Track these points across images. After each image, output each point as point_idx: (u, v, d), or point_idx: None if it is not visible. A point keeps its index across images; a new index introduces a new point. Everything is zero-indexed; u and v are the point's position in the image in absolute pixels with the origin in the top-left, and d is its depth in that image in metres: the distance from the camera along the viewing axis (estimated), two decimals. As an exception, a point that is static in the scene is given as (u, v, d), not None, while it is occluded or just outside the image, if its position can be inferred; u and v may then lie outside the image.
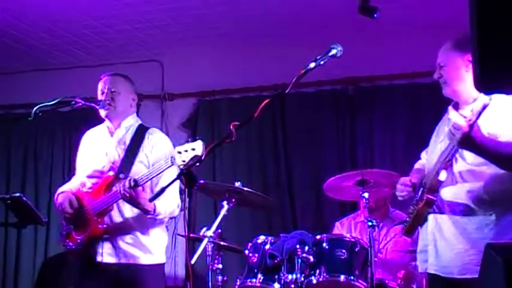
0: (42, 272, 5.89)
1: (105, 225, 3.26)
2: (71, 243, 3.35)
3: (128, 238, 3.32)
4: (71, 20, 5.22)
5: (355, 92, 5.60)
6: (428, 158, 2.94)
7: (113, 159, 3.36)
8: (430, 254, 2.80)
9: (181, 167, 2.65)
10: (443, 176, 2.64)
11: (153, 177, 3.11)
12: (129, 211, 3.30)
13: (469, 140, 2.45)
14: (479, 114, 2.40)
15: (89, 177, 3.41)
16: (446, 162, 2.63)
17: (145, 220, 3.31)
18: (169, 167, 2.99)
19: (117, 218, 3.32)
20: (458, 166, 2.68)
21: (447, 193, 2.71)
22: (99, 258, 3.29)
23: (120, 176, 3.23)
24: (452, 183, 2.70)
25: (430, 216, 2.77)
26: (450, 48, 2.79)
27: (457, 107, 2.81)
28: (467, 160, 2.66)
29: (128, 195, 3.10)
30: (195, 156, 2.62)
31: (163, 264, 3.50)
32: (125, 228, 3.32)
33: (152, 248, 3.38)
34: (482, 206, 2.64)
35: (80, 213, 3.31)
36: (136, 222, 3.33)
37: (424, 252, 2.84)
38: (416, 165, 3.12)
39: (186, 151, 2.67)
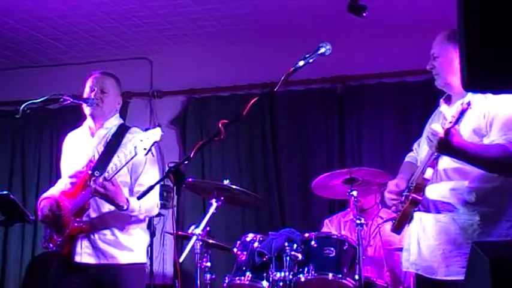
0: (30, 270, 5.86)
1: (81, 223, 3.25)
2: (51, 245, 3.33)
3: (107, 237, 3.30)
4: (60, 17, 5.20)
5: (343, 90, 5.61)
6: (420, 151, 2.93)
7: (92, 158, 3.35)
8: (412, 253, 2.78)
9: (144, 153, 3.00)
10: (429, 174, 2.62)
11: (120, 169, 3.12)
12: (107, 208, 3.28)
13: (447, 145, 2.44)
14: (457, 120, 2.39)
15: (70, 177, 3.40)
16: (433, 161, 2.61)
17: (124, 218, 3.30)
18: (133, 157, 3.06)
19: (94, 216, 3.29)
20: (444, 163, 2.65)
21: (432, 191, 2.69)
22: (77, 258, 3.27)
23: (95, 173, 3.21)
24: (436, 181, 2.67)
25: (416, 215, 2.75)
26: (444, 40, 2.75)
27: (449, 99, 2.80)
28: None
29: (99, 190, 3.09)
30: (155, 142, 3.02)
31: (145, 264, 3.48)
32: (103, 226, 3.30)
33: (132, 247, 3.35)
34: (467, 205, 2.61)
35: (59, 216, 3.29)
36: (114, 220, 3.31)
37: (408, 250, 2.82)
38: (407, 158, 3.09)
39: (148, 138, 3.03)
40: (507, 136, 2.54)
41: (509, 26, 1.42)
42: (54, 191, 3.48)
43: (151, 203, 3.31)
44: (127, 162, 3.11)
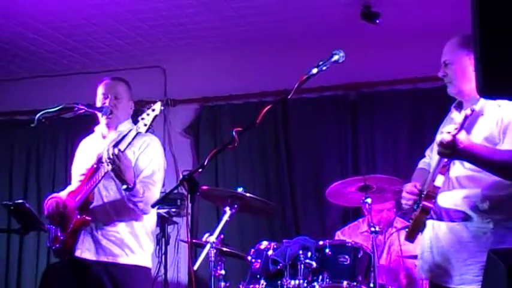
0: (45, 279, 5.88)
1: (84, 215, 3.25)
2: (56, 245, 3.36)
3: (110, 234, 3.31)
4: (74, 27, 5.24)
5: (356, 97, 5.61)
6: (433, 157, 2.92)
7: (100, 155, 3.35)
8: (425, 262, 2.75)
9: (145, 130, 3.10)
10: (439, 181, 2.58)
11: (126, 147, 3.16)
12: (111, 197, 3.31)
13: (454, 149, 2.42)
14: (462, 125, 2.38)
15: (80, 175, 3.43)
16: (443, 167, 2.58)
17: (126, 210, 3.31)
18: (135, 136, 3.15)
19: (97, 208, 3.31)
20: (456, 171, 2.63)
21: (444, 199, 2.66)
22: (77, 253, 3.28)
23: (100, 164, 3.22)
24: (449, 189, 2.65)
25: (429, 223, 2.72)
26: (457, 46, 2.71)
27: (460, 105, 2.77)
28: (465, 165, 2.60)
29: (112, 158, 3.10)
30: (155, 116, 3.10)
31: (148, 268, 3.47)
32: (106, 220, 3.31)
33: (135, 249, 3.36)
34: (480, 213, 2.58)
35: (64, 213, 3.32)
36: (117, 213, 3.32)
37: (422, 258, 2.80)
38: (420, 165, 3.07)
39: (148, 115, 3.11)
40: None
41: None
42: (62, 192, 3.51)
43: (153, 197, 3.30)
44: (131, 141, 3.16)
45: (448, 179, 2.64)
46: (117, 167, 3.13)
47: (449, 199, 2.66)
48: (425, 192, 2.64)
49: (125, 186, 3.19)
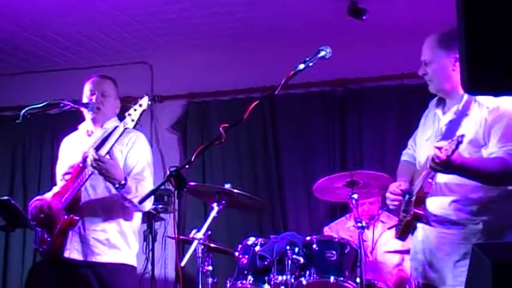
0: (31, 277, 5.85)
1: (71, 215, 3.24)
2: (44, 246, 3.33)
3: (98, 234, 3.30)
4: (60, 23, 5.20)
5: (344, 93, 5.62)
6: (417, 151, 2.93)
7: (86, 153, 3.34)
8: (419, 264, 2.77)
9: (133, 125, 3.09)
10: (429, 187, 2.63)
11: (113, 144, 3.15)
12: (99, 195, 3.30)
13: (448, 166, 2.46)
14: (454, 150, 2.40)
15: (64, 174, 3.40)
16: (431, 173, 2.60)
17: (115, 209, 3.30)
18: (123, 131, 3.15)
19: (85, 207, 3.29)
20: (443, 176, 2.64)
21: (433, 204, 2.68)
22: (66, 254, 3.27)
23: (86, 164, 3.19)
24: (437, 194, 2.67)
25: (419, 225, 2.75)
26: (435, 46, 2.75)
27: (442, 101, 2.81)
28: None
29: (96, 162, 3.09)
30: (143, 111, 3.09)
31: (134, 267, 3.47)
32: (93, 219, 3.30)
33: (122, 247, 3.36)
34: (469, 216, 2.61)
35: (50, 215, 3.29)
36: (105, 212, 3.31)
37: (414, 260, 2.82)
38: (404, 157, 3.09)
39: (135, 110, 3.10)
40: (506, 148, 2.54)
41: (510, 25, 1.42)
42: (47, 194, 3.48)
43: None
44: (119, 137, 3.15)
45: (436, 184, 2.67)
46: (104, 170, 3.12)
47: (438, 204, 2.68)
48: (414, 198, 2.66)
49: (116, 185, 3.19)
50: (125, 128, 3.14)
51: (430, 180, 2.61)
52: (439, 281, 2.68)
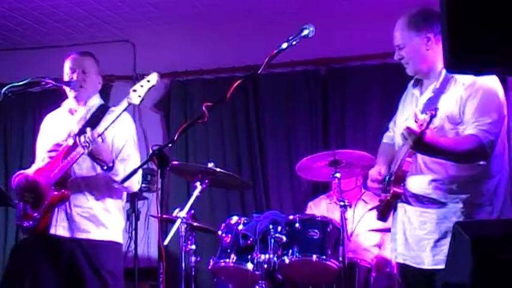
0: (14, 256, 5.83)
1: (63, 190, 3.23)
2: (27, 222, 3.29)
3: (84, 211, 3.30)
4: (40, -1, 5.13)
5: (327, 72, 5.61)
6: (396, 132, 2.94)
7: (71, 132, 3.33)
8: (398, 244, 2.79)
9: (139, 100, 2.97)
10: (407, 165, 2.63)
11: (112, 122, 3.13)
12: (90, 173, 3.29)
13: (421, 144, 2.46)
14: (428, 124, 2.41)
15: (49, 151, 3.37)
16: (411, 152, 2.61)
17: (105, 187, 3.30)
18: (125, 108, 3.10)
19: (71, 186, 3.28)
20: (423, 155, 2.66)
21: (413, 183, 2.70)
22: (52, 230, 3.26)
23: (86, 130, 3.17)
24: (417, 173, 2.69)
25: (399, 205, 2.77)
26: (405, 29, 2.77)
27: (419, 82, 2.83)
28: None
29: (88, 143, 3.07)
30: (151, 87, 2.97)
31: (120, 244, 3.49)
32: (80, 197, 3.30)
33: (108, 225, 3.37)
34: (449, 195, 2.63)
35: (37, 190, 3.27)
36: (95, 189, 3.32)
37: (395, 240, 2.84)
38: (384, 139, 3.10)
39: (142, 86, 3.03)
40: (479, 123, 2.55)
41: (491, 6, 1.42)
42: (29, 170, 3.46)
43: (135, 176, 3.27)
44: (119, 115, 3.11)
45: (416, 163, 2.68)
46: (94, 151, 3.11)
47: (418, 183, 2.69)
48: (393, 178, 2.67)
49: (105, 167, 3.18)
50: (129, 104, 3.10)
51: (408, 159, 2.61)
52: (419, 260, 2.69)
